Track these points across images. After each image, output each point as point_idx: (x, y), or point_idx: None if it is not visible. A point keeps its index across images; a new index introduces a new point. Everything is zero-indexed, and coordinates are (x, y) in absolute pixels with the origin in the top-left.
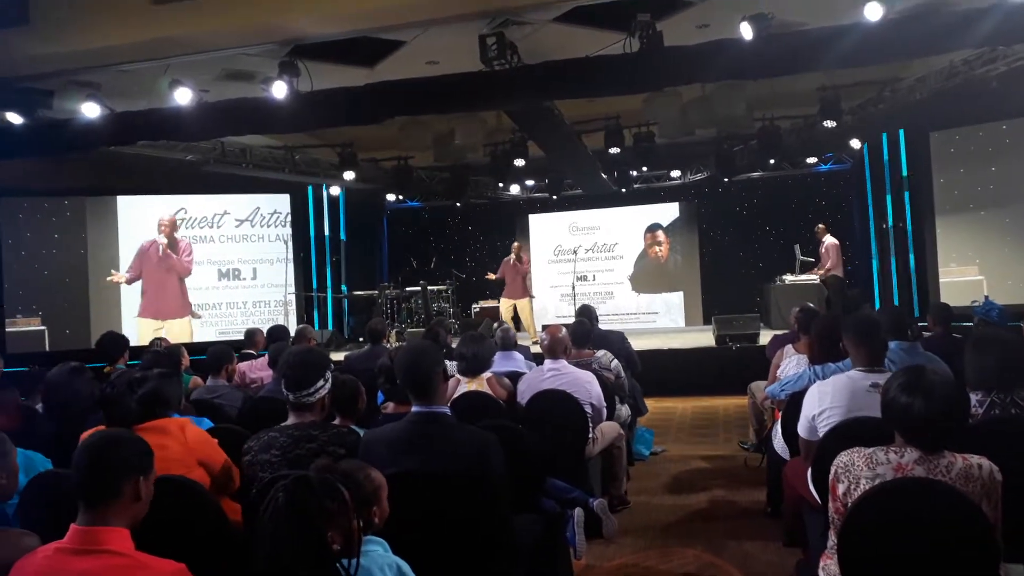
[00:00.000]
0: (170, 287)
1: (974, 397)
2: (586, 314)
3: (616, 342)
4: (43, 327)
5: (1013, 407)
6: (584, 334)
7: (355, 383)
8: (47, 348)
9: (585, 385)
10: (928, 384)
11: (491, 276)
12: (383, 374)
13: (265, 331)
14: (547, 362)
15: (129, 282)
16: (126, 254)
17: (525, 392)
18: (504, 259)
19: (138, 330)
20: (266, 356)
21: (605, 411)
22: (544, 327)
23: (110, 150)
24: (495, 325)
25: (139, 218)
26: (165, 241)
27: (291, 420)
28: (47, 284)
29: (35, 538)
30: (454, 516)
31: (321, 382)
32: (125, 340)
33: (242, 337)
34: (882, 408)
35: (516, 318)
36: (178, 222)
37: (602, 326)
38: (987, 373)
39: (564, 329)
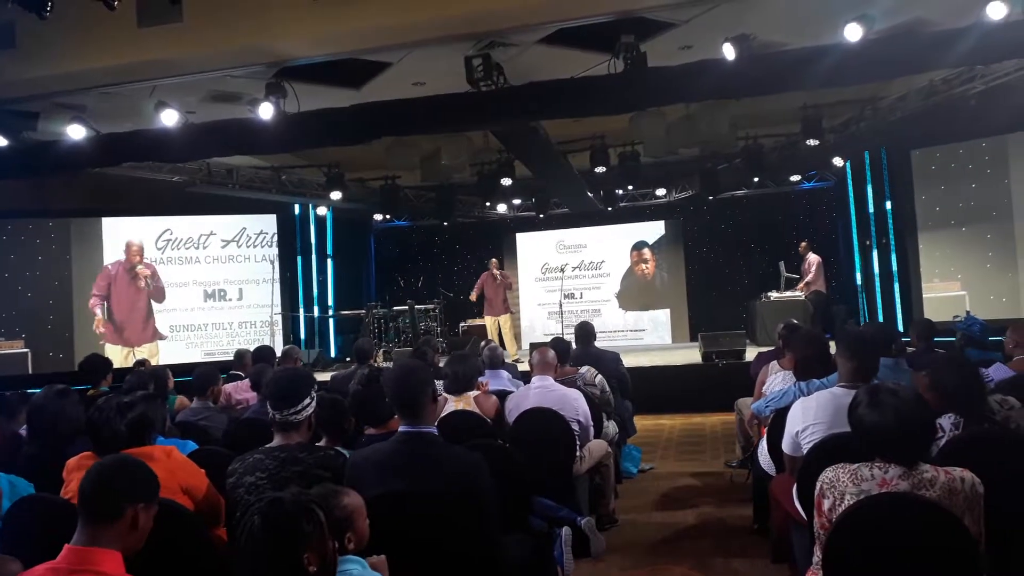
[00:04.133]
0: (139, 313)
1: (948, 421)
2: (583, 331)
3: (610, 363)
4: (26, 349)
5: (984, 421)
6: (563, 351)
7: (342, 403)
8: (30, 371)
9: (572, 402)
10: (888, 401)
11: (472, 297)
12: (356, 401)
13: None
14: (535, 379)
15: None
16: None
17: (513, 410)
18: (483, 275)
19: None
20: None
21: (592, 429)
22: (532, 345)
23: (95, 172)
24: (483, 344)
25: (124, 240)
26: (148, 272)
27: (277, 441)
28: (30, 306)
29: (18, 564)
30: (442, 536)
31: (308, 400)
32: (108, 362)
33: (228, 357)
34: (851, 428)
35: (499, 336)
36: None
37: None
38: (951, 396)
39: (552, 350)
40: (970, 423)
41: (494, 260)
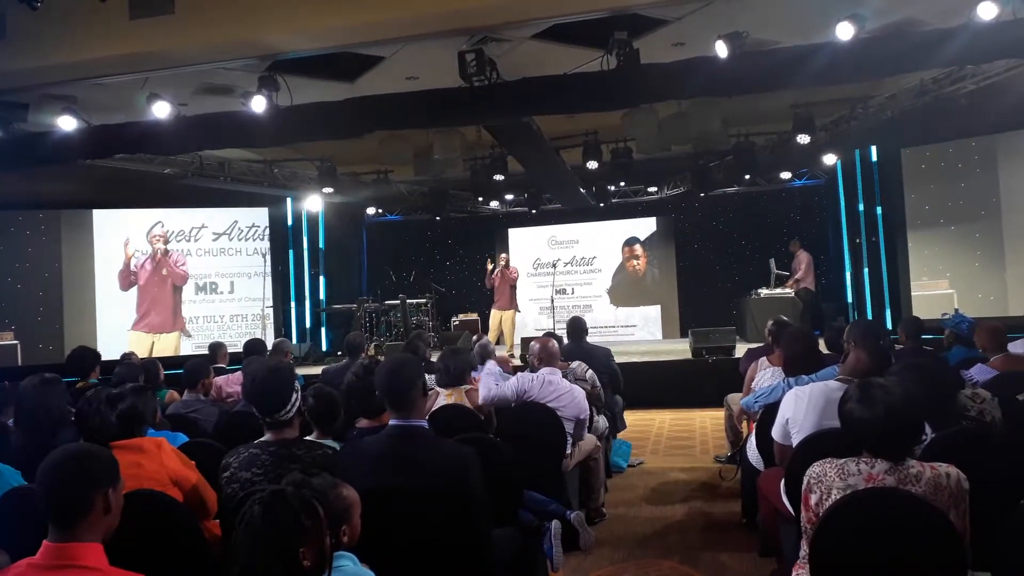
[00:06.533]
0: (164, 299)
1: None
2: (574, 327)
3: (601, 358)
4: (16, 341)
5: (961, 419)
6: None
7: (335, 397)
8: (19, 362)
9: (581, 401)
10: (879, 396)
11: (487, 283)
12: (351, 392)
13: (242, 344)
14: (543, 370)
15: (124, 281)
16: (101, 268)
17: (523, 390)
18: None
19: (129, 344)
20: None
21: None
22: (524, 340)
23: (86, 163)
24: (474, 338)
25: (115, 232)
26: (164, 247)
27: (269, 436)
28: (20, 298)
29: (5, 555)
30: (431, 530)
31: (294, 396)
32: (96, 354)
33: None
34: (841, 422)
35: (499, 331)
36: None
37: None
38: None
39: (553, 340)
40: (936, 429)
41: (503, 255)
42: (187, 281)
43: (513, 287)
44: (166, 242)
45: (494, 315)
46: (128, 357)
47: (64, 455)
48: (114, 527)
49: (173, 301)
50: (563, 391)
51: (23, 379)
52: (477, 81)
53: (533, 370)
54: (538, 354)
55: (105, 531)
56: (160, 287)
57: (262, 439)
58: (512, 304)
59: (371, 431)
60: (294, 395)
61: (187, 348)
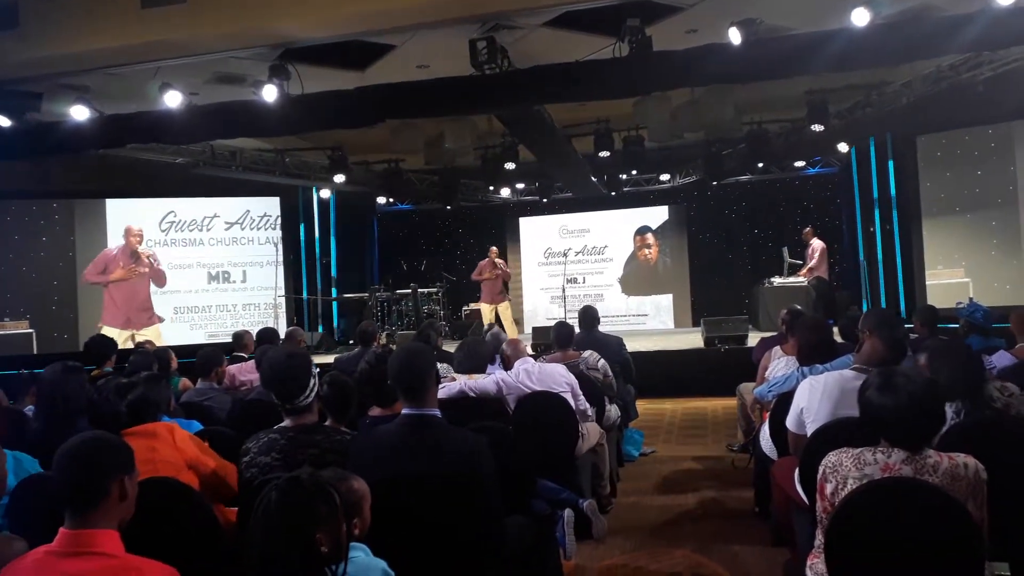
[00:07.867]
0: (140, 296)
1: (949, 408)
2: (586, 316)
3: (613, 347)
4: (31, 330)
5: (986, 408)
6: (566, 335)
7: (350, 385)
8: (35, 351)
9: (560, 374)
10: (901, 384)
11: (473, 277)
12: (364, 380)
13: (255, 333)
14: (516, 364)
15: (99, 282)
16: None
17: (506, 388)
18: (483, 261)
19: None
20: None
21: (583, 398)
22: (535, 329)
23: (99, 153)
24: (485, 328)
25: (128, 221)
26: (151, 252)
27: (288, 423)
28: (35, 287)
29: (23, 542)
30: (444, 519)
31: (312, 382)
32: (113, 343)
33: (232, 340)
34: (860, 410)
35: (498, 322)
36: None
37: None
38: (952, 383)
39: (521, 341)
40: (973, 410)
41: (494, 248)
42: (166, 282)
43: (504, 281)
44: (141, 240)
45: (485, 308)
46: (142, 345)
47: (80, 442)
48: (130, 514)
49: (147, 296)
50: (543, 371)
51: (38, 368)
52: (488, 69)
53: (507, 368)
54: (505, 352)
55: (121, 518)
56: (135, 284)
57: (281, 425)
58: (503, 296)
59: (384, 420)
60: (312, 380)
61: (172, 334)
